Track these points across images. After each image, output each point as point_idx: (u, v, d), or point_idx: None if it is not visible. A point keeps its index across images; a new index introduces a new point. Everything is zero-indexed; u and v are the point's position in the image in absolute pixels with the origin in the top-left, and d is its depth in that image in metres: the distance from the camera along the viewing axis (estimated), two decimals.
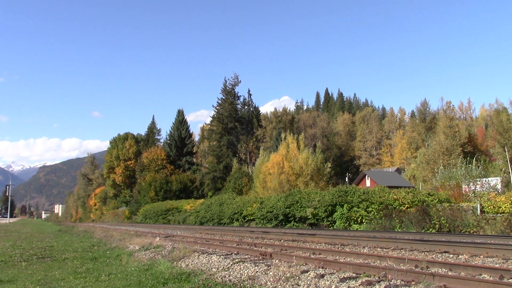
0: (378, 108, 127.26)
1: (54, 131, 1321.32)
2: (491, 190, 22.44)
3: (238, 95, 62.41)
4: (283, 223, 24.98)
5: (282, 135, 46.67)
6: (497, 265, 7.01)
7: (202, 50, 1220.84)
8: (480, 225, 15.07)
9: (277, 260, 8.15)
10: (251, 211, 28.88)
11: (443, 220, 16.08)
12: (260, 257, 8.83)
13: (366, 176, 58.03)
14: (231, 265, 8.07)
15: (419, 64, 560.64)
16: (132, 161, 79.42)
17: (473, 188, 23.07)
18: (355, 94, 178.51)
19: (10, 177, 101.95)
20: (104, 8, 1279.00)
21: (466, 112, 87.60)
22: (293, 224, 24.20)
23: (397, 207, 19.55)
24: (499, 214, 16.14)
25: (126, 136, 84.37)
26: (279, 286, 6.31)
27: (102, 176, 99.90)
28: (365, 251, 9.84)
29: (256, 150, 58.44)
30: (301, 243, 12.74)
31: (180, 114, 72.35)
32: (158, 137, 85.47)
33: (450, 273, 6.18)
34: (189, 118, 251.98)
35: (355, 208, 20.87)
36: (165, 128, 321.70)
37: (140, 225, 39.37)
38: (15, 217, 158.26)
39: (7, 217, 79.65)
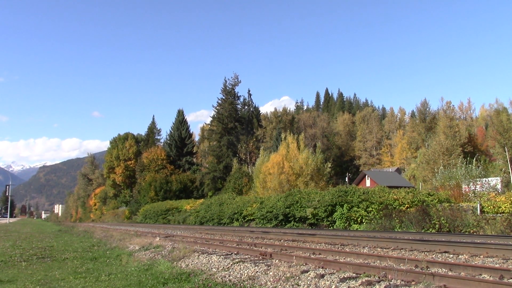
0: (378, 108, 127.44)
1: (54, 131, 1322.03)
2: (491, 190, 22.47)
3: (238, 95, 62.50)
4: (283, 223, 24.98)
5: (282, 135, 46.68)
6: (497, 265, 7.01)
7: (202, 50, 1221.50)
8: (480, 225, 15.07)
9: (277, 260, 8.15)
10: (251, 211, 28.89)
11: (443, 220, 16.08)
12: (260, 257, 8.83)
13: (366, 176, 58.04)
14: (231, 265, 8.07)
15: (419, 64, 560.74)
16: (132, 161, 79.45)
17: (473, 188, 23.08)
18: (355, 94, 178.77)
19: (10, 177, 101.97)
20: (104, 8, 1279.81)
21: (466, 112, 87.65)
22: (293, 224, 24.20)
23: (397, 207, 19.56)
24: (499, 214, 16.15)
25: (126, 136, 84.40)
26: (279, 286, 6.31)
27: (102, 176, 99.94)
28: (365, 251, 9.84)
29: (256, 150, 58.46)
30: (301, 243, 12.75)
31: (180, 114, 72.37)
32: (158, 137, 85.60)
33: (450, 273, 6.18)
34: (189, 118, 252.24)
35: (355, 208, 20.88)
36: (165, 128, 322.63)
37: (140, 225, 39.38)
38: (15, 217, 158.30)
39: (7, 217, 79.66)
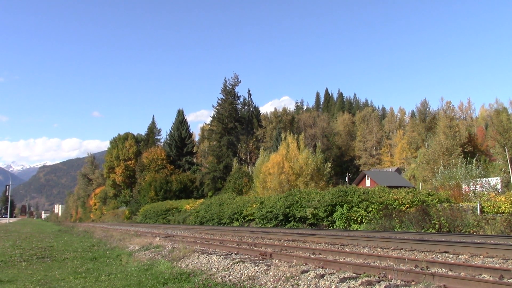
0: (378, 108, 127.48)
1: (54, 131, 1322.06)
2: (491, 190, 22.46)
3: (238, 95, 62.50)
4: (283, 223, 24.98)
5: (282, 135, 46.68)
6: (497, 265, 7.01)
7: (202, 50, 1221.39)
8: (480, 225, 15.07)
9: (277, 260, 8.15)
10: (251, 211, 28.89)
11: (443, 220, 16.08)
12: (260, 257, 8.83)
13: (366, 176, 58.05)
14: (231, 265, 8.07)
15: (419, 64, 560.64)
16: (132, 161, 79.45)
17: (473, 188, 23.07)
18: (355, 94, 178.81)
19: (10, 177, 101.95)
20: (104, 8, 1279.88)
21: (466, 112, 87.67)
22: (293, 224, 24.20)
23: (397, 207, 19.56)
24: (499, 214, 16.14)
25: (126, 136, 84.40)
26: (279, 286, 6.31)
27: (102, 176, 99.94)
28: (365, 251, 9.84)
29: (256, 150, 58.45)
30: (301, 243, 12.75)
31: (180, 114, 72.37)
32: (158, 137, 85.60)
33: (450, 273, 6.18)
34: (189, 118, 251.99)
35: (355, 208, 20.88)
36: (165, 128, 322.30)
37: (140, 225, 39.38)
38: (15, 217, 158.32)
39: (7, 217, 79.66)
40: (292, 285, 6.23)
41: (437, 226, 16.03)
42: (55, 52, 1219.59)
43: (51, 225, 56.40)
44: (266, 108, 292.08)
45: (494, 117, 62.79)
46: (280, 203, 25.40)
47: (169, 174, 63.62)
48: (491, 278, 5.68)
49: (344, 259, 8.30)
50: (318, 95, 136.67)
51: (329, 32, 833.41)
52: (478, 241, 10.59)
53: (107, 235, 20.73)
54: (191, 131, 75.20)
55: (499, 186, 25.35)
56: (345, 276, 6.13)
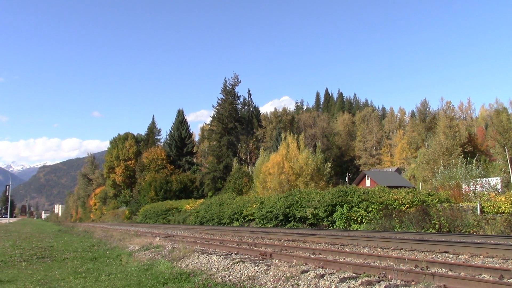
0: (378, 108, 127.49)
1: (54, 131, 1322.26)
2: (491, 190, 22.46)
3: (238, 95, 62.45)
4: (283, 223, 24.98)
5: (282, 135, 46.67)
6: (497, 265, 7.01)
7: (202, 50, 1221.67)
8: (480, 225, 15.07)
9: (277, 260, 8.15)
10: (251, 211, 28.89)
11: (443, 220, 16.08)
12: (260, 257, 8.83)
13: (366, 176, 58.05)
14: (231, 265, 8.08)
15: (419, 64, 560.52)
16: (132, 161, 79.44)
17: (473, 188, 23.07)
18: (355, 94, 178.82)
19: (10, 177, 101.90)
20: (104, 8, 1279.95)
21: (466, 112, 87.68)
22: (293, 224, 24.20)
23: (397, 207, 19.56)
24: (499, 214, 16.14)
25: (126, 136, 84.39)
26: (279, 286, 6.31)
27: (102, 176, 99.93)
28: (365, 251, 9.84)
29: (256, 150, 58.45)
30: (301, 243, 12.75)
31: (180, 114, 72.37)
32: (158, 137, 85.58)
33: (450, 273, 6.18)
34: (189, 118, 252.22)
35: (355, 208, 20.88)
36: (165, 128, 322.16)
37: (140, 225, 39.38)
38: (15, 217, 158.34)
39: (7, 217, 79.66)
40: (292, 285, 6.23)
41: (437, 226, 16.03)
42: (55, 52, 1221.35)
43: (51, 225, 56.40)
44: (266, 108, 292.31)
45: (494, 117, 62.79)
46: (280, 203, 25.40)
47: (169, 174, 63.62)
48: (491, 278, 5.68)
49: (344, 259, 8.30)
50: (318, 95, 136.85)
51: (329, 32, 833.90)
52: (478, 241, 10.59)
53: (107, 235, 20.73)
54: (191, 131, 75.29)
55: (499, 186, 25.34)
56: (345, 276, 6.13)
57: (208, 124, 66.33)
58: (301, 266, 7.18)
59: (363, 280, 5.75)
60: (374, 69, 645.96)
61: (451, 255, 8.60)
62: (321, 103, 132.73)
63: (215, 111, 61.42)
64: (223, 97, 61.12)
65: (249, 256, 9.18)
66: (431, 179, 41.53)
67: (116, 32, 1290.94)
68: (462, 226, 15.58)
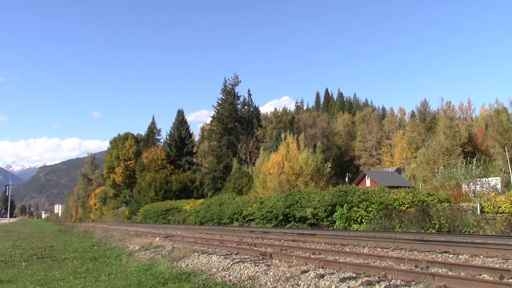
0: (378, 108, 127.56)
1: (54, 131, 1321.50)
2: (491, 190, 22.46)
3: (238, 95, 62.47)
4: (283, 223, 24.98)
5: (282, 135, 46.68)
6: (497, 265, 7.01)
7: (202, 50, 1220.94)
8: (480, 225, 15.08)
9: (277, 260, 8.15)
10: (251, 211, 28.89)
11: (443, 220, 16.08)
12: (260, 257, 8.83)
13: (366, 176, 58.05)
14: (231, 265, 8.08)
15: (419, 64, 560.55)
16: (132, 161, 79.45)
17: (473, 188, 23.08)
18: (355, 94, 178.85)
19: (10, 177, 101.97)
20: (104, 8, 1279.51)
21: (466, 112, 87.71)
22: (293, 224, 24.20)
23: (397, 207, 19.56)
24: (499, 214, 16.15)
25: (126, 136, 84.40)
26: (279, 286, 6.31)
27: (102, 176, 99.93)
28: (365, 251, 9.84)
29: (256, 150, 58.44)
30: (301, 243, 12.75)
31: (180, 114, 72.37)
32: (158, 137, 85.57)
33: (450, 273, 6.18)
34: (189, 118, 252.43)
35: (355, 208, 20.88)
36: (165, 128, 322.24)
37: (140, 225, 39.38)
38: (15, 217, 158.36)
39: (7, 217, 79.67)
40: (292, 285, 6.23)
41: (437, 226, 16.03)
42: (55, 52, 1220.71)
43: (51, 225, 56.41)
44: (266, 108, 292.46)
45: (494, 117, 62.81)
46: (280, 203, 25.40)
47: (169, 174, 63.63)
48: (491, 278, 5.68)
49: (344, 259, 8.30)
50: (318, 95, 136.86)
51: (329, 32, 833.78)
52: (478, 241, 10.59)
53: (107, 235, 20.73)
54: (191, 131, 75.30)
55: (499, 186, 25.35)
56: (345, 276, 6.13)
57: (208, 124, 66.35)
58: (301, 266, 7.18)
59: (363, 280, 5.75)
60: (374, 69, 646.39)
61: (451, 255, 8.60)
62: (321, 103, 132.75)
63: (215, 111, 61.47)
64: (223, 97, 61.14)
65: (249, 256, 9.18)
66: (431, 179, 41.54)
67: (116, 32, 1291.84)
68: (462, 226, 15.58)
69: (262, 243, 11.94)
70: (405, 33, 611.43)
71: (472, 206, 17.79)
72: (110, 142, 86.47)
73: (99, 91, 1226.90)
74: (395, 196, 20.50)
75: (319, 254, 9.27)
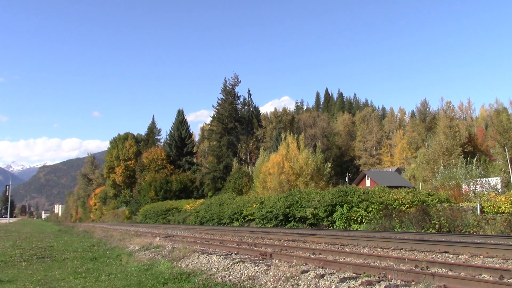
0: (378, 108, 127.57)
1: (54, 131, 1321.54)
2: (491, 190, 22.46)
3: (238, 95, 62.47)
4: (283, 223, 24.98)
5: (282, 135, 46.69)
6: (497, 265, 7.02)
7: (202, 50, 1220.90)
8: (480, 225, 15.08)
9: (277, 260, 8.15)
10: (251, 211, 28.89)
11: (443, 220, 16.08)
12: (260, 257, 8.83)
13: (366, 176, 58.04)
14: (231, 265, 8.08)
15: (419, 64, 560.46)
16: (132, 161, 79.45)
17: (473, 188, 23.08)
18: (355, 94, 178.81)
19: (10, 177, 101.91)
20: (104, 8, 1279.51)
21: (466, 112, 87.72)
22: (293, 224, 24.20)
23: (397, 207, 19.56)
24: (499, 214, 16.15)
25: (126, 136, 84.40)
26: (279, 286, 6.31)
27: (102, 176, 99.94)
28: (365, 251, 9.84)
29: (256, 150, 58.44)
30: (301, 243, 12.75)
31: (180, 114, 72.37)
32: (158, 137, 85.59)
33: (450, 273, 6.18)
34: (189, 118, 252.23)
35: (355, 208, 20.88)
36: (165, 128, 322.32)
37: (140, 225, 39.38)
38: (15, 217, 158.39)
39: (7, 217, 79.66)
40: (292, 285, 6.23)
41: (437, 226, 16.03)
42: (55, 52, 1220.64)
43: (51, 225, 56.41)
44: (266, 108, 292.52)
45: (494, 117, 62.80)
46: (280, 203, 25.40)
47: (169, 174, 63.64)
48: (491, 278, 5.68)
49: (344, 259, 8.30)
50: (318, 95, 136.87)
51: (329, 32, 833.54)
52: (478, 241, 10.59)
53: (107, 235, 20.73)
54: (191, 131, 75.30)
55: (499, 186, 25.35)
56: (345, 276, 6.13)
57: (208, 124, 66.36)
58: (301, 266, 7.18)
59: (363, 280, 5.75)
60: (374, 69, 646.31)
61: (451, 255, 8.60)
62: (321, 103, 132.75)
63: (215, 111, 61.48)
64: (223, 97, 61.14)
65: (249, 256, 9.18)
66: (431, 179, 41.54)
67: (116, 32, 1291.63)
68: (462, 226, 15.58)
69: (262, 243, 11.94)
70: (405, 33, 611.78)
71: (472, 206, 17.79)
72: (110, 142, 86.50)
73: (99, 91, 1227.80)
74: (395, 196, 20.50)
75: (319, 254, 9.27)
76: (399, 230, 17.28)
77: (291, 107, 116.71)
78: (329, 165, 44.67)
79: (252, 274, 7.18)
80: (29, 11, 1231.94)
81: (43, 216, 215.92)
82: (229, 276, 7.38)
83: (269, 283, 6.53)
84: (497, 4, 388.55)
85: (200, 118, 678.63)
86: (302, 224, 23.86)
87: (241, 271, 7.50)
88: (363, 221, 20.24)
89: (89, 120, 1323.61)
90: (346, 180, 67.20)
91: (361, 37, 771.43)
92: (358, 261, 7.79)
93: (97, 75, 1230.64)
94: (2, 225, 44.85)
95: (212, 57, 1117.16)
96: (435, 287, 5.27)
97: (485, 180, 25.80)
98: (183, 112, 72.66)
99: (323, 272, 6.57)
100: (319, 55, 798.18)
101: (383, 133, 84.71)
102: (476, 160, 31.79)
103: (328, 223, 22.08)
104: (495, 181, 26.65)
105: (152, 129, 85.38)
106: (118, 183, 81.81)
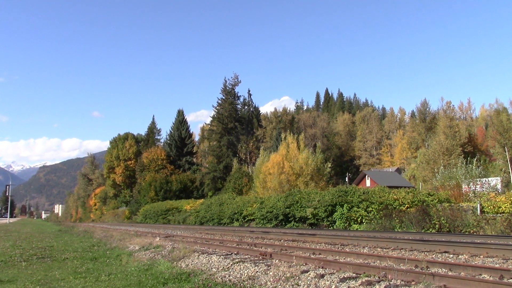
0: (378, 108, 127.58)
1: (54, 131, 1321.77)
2: (491, 190, 22.45)
3: (238, 95, 62.49)
4: (283, 223, 24.98)
5: (282, 135, 46.68)
6: (497, 265, 7.01)
7: (202, 50, 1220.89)
8: (480, 225, 15.07)
9: (277, 260, 8.15)
10: (251, 211, 28.89)
11: (443, 220, 16.08)
12: (260, 257, 8.83)
13: (366, 176, 58.05)
14: (231, 265, 8.08)
15: (419, 64, 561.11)
16: (132, 161, 79.46)
17: (473, 188, 23.07)
18: (355, 94, 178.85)
19: (10, 177, 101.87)
20: (104, 8, 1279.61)
21: (466, 112, 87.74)
22: (293, 224, 24.20)
23: (397, 207, 19.56)
24: (499, 214, 16.14)
25: (126, 136, 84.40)
26: (279, 286, 6.31)
27: (102, 176, 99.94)
28: (365, 251, 9.84)
29: (256, 150, 58.45)
30: (301, 243, 12.74)
31: (180, 114, 72.37)
32: (158, 137, 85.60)
33: (450, 273, 6.18)
34: (189, 118, 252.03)
35: (355, 208, 20.88)
36: (165, 128, 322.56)
37: (140, 225, 39.38)
38: (15, 217, 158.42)
39: (7, 217, 79.65)
40: (292, 285, 6.23)
41: (437, 226, 16.03)
42: (55, 52, 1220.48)
43: (51, 225, 56.41)
44: (266, 108, 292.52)
45: (494, 117, 62.81)
46: (280, 203, 25.40)
47: (169, 174, 63.64)
48: (491, 278, 5.68)
49: (344, 259, 8.30)
50: (318, 95, 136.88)
51: (329, 32, 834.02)
52: (478, 241, 10.59)
53: (107, 235, 20.73)
54: (191, 131, 75.30)
55: (499, 186, 25.33)
56: (345, 276, 6.13)
57: (208, 124, 66.36)
58: (301, 266, 7.18)
59: (363, 280, 5.75)
60: (374, 69, 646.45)
61: (451, 255, 8.59)
62: (321, 103, 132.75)
63: (215, 111, 61.48)
64: (223, 97, 61.15)
65: (249, 256, 9.18)
66: (431, 179, 41.53)
67: (116, 32, 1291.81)
68: (462, 226, 15.58)
69: (262, 243, 11.94)
70: (405, 33, 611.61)
71: (472, 206, 17.79)
72: (110, 142, 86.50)
73: (99, 91, 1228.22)
74: (395, 196, 20.49)
75: (319, 254, 9.27)
76: (399, 230, 17.27)
77: (291, 107, 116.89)
78: (329, 165, 44.66)
79: (252, 274, 7.18)
80: (29, 11, 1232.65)
81: (43, 216, 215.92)
82: (229, 276, 7.38)
83: (269, 283, 6.53)
84: (497, 4, 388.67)
85: (200, 118, 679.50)
86: (302, 224, 23.85)
87: (241, 271, 7.50)
88: (363, 221, 20.24)
89: (89, 120, 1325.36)
90: (346, 180, 67.20)
91: (361, 37, 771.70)
92: (358, 261, 7.79)
93: (97, 75, 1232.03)
94: (2, 225, 44.85)
95: (212, 57, 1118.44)
96: (435, 287, 5.27)
97: (485, 180, 25.79)
98: (183, 112, 72.75)
99: (323, 272, 6.57)
100: (319, 55, 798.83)
101: (383, 133, 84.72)
102: (476, 160, 31.78)
103: (328, 223, 22.08)
104: (495, 181, 26.64)
105: (152, 129, 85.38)
106: (118, 183, 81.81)
